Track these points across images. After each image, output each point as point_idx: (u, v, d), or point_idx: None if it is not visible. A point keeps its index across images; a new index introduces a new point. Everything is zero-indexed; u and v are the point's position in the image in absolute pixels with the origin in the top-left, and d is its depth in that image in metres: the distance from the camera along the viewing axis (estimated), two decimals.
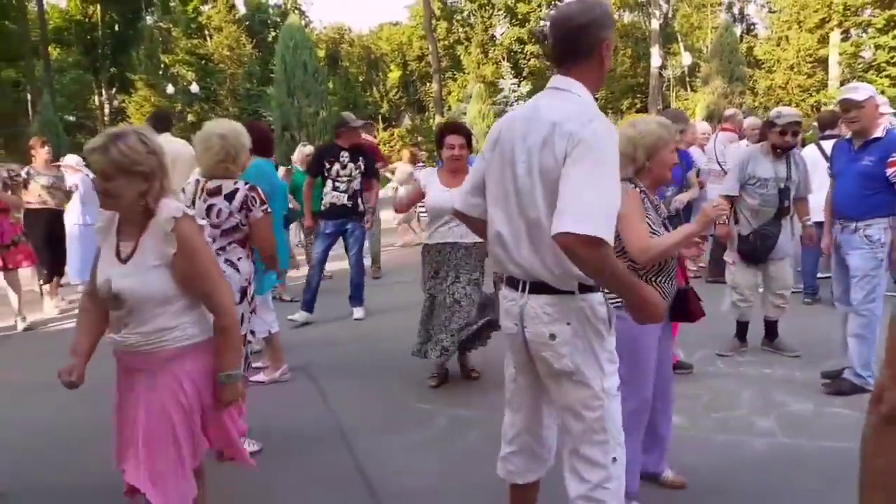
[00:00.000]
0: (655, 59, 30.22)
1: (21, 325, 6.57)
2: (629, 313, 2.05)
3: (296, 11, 37.96)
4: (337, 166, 6.20)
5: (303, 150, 8.44)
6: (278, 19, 38.33)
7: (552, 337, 2.05)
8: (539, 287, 2.07)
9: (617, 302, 2.57)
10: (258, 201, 3.47)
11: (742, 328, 5.07)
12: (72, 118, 35.54)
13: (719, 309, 5.10)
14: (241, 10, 39.43)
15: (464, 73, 38.01)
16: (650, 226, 2.61)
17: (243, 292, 3.45)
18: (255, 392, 4.22)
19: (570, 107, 2.01)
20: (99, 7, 34.85)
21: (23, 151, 18.06)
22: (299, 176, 7.65)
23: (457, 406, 4.24)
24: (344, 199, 6.24)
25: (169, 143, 6.45)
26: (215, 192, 3.49)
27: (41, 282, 7.58)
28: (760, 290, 5.08)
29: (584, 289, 2.05)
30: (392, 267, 9.27)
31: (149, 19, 38.04)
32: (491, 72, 35.33)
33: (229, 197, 3.46)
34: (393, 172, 11.36)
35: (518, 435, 2.34)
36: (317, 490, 3.30)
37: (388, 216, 11.68)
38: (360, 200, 6.35)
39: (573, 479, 2.14)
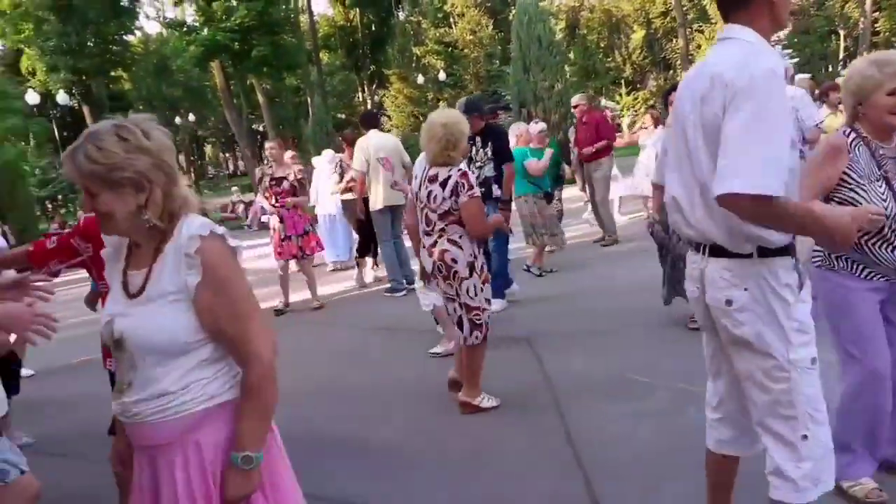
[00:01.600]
0: None
1: (315, 304, 7.44)
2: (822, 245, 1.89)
3: None
4: (472, 153, 6.02)
5: (534, 128, 7.91)
6: None
7: (728, 303, 1.95)
8: (717, 250, 1.98)
9: (816, 260, 2.39)
10: (466, 186, 3.73)
11: None
12: (342, 116, 39.95)
13: None
14: None
15: (711, 23, 35.10)
16: (854, 180, 2.31)
17: (471, 267, 3.82)
18: None
19: (730, 55, 1.87)
20: (357, 10, 38.39)
21: (304, 151, 20.82)
22: (524, 152, 7.28)
23: (680, 380, 4.08)
24: None
25: (377, 137, 7.21)
26: (433, 179, 3.83)
27: (357, 256, 8.52)
28: None
29: (765, 252, 1.91)
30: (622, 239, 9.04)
31: (400, 15, 41.09)
32: None
33: (443, 184, 3.78)
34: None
35: (721, 403, 2.25)
36: (524, 450, 3.47)
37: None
38: (493, 187, 6.04)
39: (766, 453, 2.05)
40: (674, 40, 36.47)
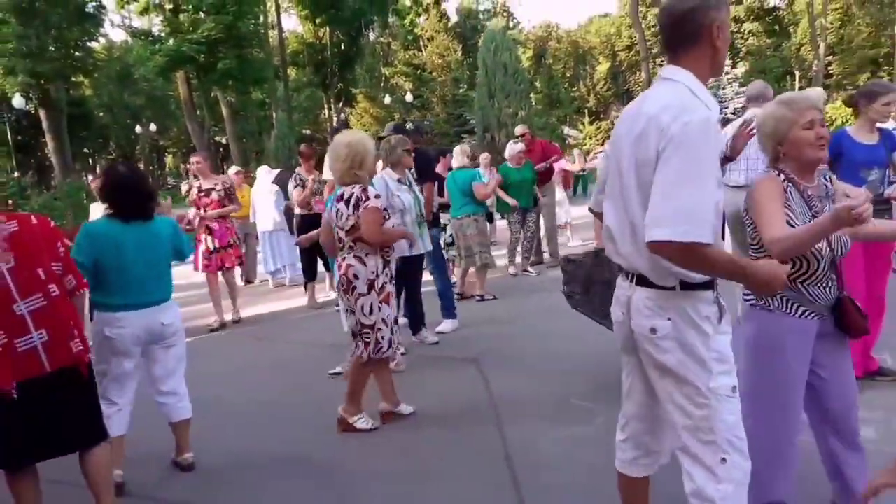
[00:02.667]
0: None
1: (232, 317, 7.36)
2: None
3: (503, 14, 38.82)
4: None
5: (513, 147, 8.55)
6: (488, 23, 39.50)
7: (653, 331, 2.01)
8: (643, 280, 2.05)
9: (750, 299, 2.44)
10: (364, 199, 3.85)
11: None
12: (307, 132, 39.83)
13: None
14: (454, 18, 41.25)
15: None
16: (791, 218, 2.33)
17: (370, 284, 3.90)
18: (422, 374, 4.52)
19: (669, 97, 1.93)
20: (328, 28, 38.47)
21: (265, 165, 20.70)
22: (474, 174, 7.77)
23: (621, 407, 4.12)
24: None
25: None
26: (340, 198, 3.95)
27: (305, 281, 8.14)
28: None
29: (687, 286, 1.98)
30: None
31: (371, 36, 41.29)
32: None
33: (347, 201, 3.89)
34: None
35: (627, 423, 2.32)
36: (462, 469, 3.47)
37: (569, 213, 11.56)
38: (430, 207, 6.06)
39: (686, 476, 2.09)
40: (637, 73, 37.42)
